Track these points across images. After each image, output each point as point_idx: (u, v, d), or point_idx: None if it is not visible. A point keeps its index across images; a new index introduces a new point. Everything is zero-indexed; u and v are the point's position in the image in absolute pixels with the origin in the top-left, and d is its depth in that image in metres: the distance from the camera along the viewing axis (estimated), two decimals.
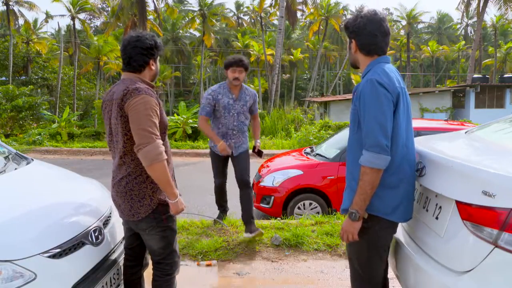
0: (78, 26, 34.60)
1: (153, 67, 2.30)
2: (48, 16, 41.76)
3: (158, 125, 2.13)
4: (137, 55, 2.23)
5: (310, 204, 5.33)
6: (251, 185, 4.19)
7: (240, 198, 4.19)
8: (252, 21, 49.89)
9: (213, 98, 4.04)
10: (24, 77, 32.80)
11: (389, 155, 1.87)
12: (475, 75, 27.93)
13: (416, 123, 5.60)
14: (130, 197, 2.20)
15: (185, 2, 48.41)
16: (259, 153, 4.27)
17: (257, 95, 4.25)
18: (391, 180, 1.93)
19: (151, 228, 2.23)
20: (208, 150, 13.54)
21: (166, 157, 2.10)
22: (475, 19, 39.89)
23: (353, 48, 2.06)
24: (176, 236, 2.35)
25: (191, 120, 15.87)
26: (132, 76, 2.25)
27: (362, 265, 2.04)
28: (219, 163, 4.35)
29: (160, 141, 2.09)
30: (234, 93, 4.08)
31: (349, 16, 2.20)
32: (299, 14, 38.31)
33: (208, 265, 3.62)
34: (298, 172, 5.42)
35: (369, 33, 1.99)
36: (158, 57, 2.38)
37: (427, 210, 2.00)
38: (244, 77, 4.10)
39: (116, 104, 2.16)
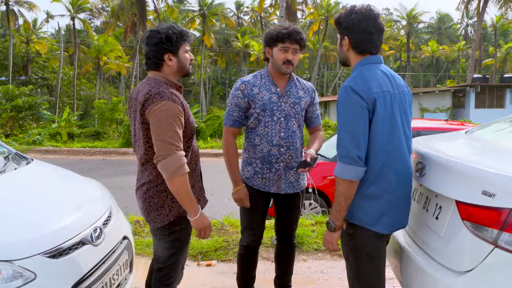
0: (78, 26, 34.61)
1: (170, 63, 2.09)
2: (49, 16, 41.74)
3: (181, 134, 2.02)
4: (150, 52, 2.08)
5: (310, 204, 5.33)
6: (295, 242, 2.85)
7: (276, 255, 2.86)
8: (252, 21, 49.89)
9: (245, 94, 2.50)
10: (24, 77, 32.84)
11: (361, 166, 1.80)
12: (475, 75, 27.95)
13: (416, 123, 5.61)
14: (148, 204, 2.13)
15: (185, 2, 48.35)
16: (305, 164, 2.34)
17: (316, 92, 2.74)
18: (371, 190, 1.86)
19: (161, 236, 2.18)
20: (211, 151, 13.55)
21: (187, 170, 1.98)
22: (475, 19, 39.89)
23: (345, 45, 1.95)
24: (186, 248, 2.26)
25: None
26: (156, 75, 2.10)
27: (354, 271, 2.01)
28: (255, 206, 2.58)
29: (182, 153, 1.98)
30: (279, 85, 2.57)
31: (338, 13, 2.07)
32: (299, 14, 38.31)
33: (208, 265, 3.62)
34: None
35: (364, 30, 1.89)
36: (184, 49, 2.13)
37: (427, 210, 2.00)
38: (298, 61, 2.56)
39: (138, 108, 2.03)
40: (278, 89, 2.53)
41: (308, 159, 2.38)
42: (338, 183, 1.83)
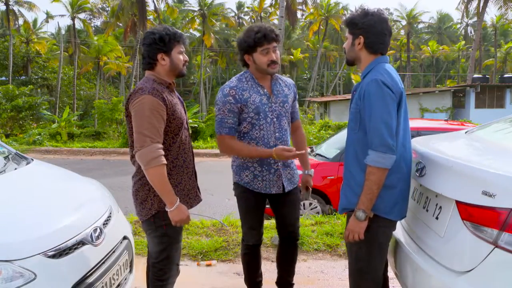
0: (78, 26, 34.60)
1: (163, 62, 2.19)
2: (49, 16, 41.76)
3: (162, 127, 2.10)
4: (145, 52, 2.20)
5: (310, 204, 5.33)
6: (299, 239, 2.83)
7: (279, 255, 2.81)
8: (253, 21, 49.87)
9: (237, 99, 2.45)
10: (24, 77, 32.86)
11: (395, 155, 1.88)
12: (475, 75, 27.94)
13: (416, 123, 5.61)
14: (135, 198, 2.25)
15: (185, 2, 48.38)
16: (308, 192, 2.75)
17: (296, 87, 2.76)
18: (390, 179, 1.94)
19: (150, 231, 2.25)
20: (211, 151, 13.58)
21: (162, 162, 2.05)
22: (475, 19, 39.89)
23: (358, 45, 2.04)
24: (177, 245, 2.31)
25: (190, 120, 15.87)
26: (150, 74, 2.22)
27: (363, 263, 2.05)
28: (257, 207, 2.61)
29: (157, 145, 2.05)
30: (265, 86, 2.54)
31: (349, 14, 2.18)
32: (299, 14, 38.39)
33: (208, 265, 3.62)
34: (298, 172, 5.42)
35: (379, 32, 2.00)
36: (177, 50, 2.20)
37: (427, 210, 2.00)
38: (280, 57, 2.57)
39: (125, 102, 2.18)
40: (265, 90, 2.52)
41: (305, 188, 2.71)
42: (373, 173, 1.89)
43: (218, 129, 2.50)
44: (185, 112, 2.37)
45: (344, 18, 2.17)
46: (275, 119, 2.51)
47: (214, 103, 2.59)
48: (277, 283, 2.88)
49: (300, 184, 2.73)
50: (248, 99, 2.46)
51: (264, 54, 2.42)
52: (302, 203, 5.26)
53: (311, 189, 2.77)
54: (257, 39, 2.39)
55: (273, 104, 2.52)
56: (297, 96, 2.73)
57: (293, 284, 2.87)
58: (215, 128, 2.53)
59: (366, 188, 1.91)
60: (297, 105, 2.77)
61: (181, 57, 2.24)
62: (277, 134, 2.51)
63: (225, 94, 2.47)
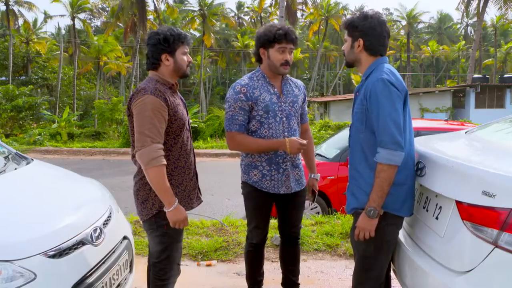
0: (78, 26, 34.59)
1: (167, 63, 2.20)
2: (47, 16, 41.76)
3: (163, 128, 2.11)
4: (149, 52, 2.22)
5: (310, 204, 5.32)
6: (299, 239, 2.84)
7: (282, 256, 2.84)
8: (253, 21, 49.89)
9: (248, 97, 2.47)
10: (24, 77, 32.84)
11: (404, 152, 1.90)
12: (475, 75, 27.94)
13: (416, 123, 5.61)
14: (136, 197, 2.26)
15: (185, 2, 48.37)
16: (314, 196, 2.82)
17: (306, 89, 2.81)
18: (399, 176, 1.95)
19: (151, 231, 2.26)
20: (211, 151, 13.58)
21: (162, 162, 2.07)
22: (475, 19, 39.88)
23: (358, 47, 2.06)
24: (178, 245, 2.32)
25: (190, 120, 15.91)
26: (153, 74, 2.23)
27: (370, 261, 2.06)
28: (264, 207, 2.64)
29: (158, 145, 2.07)
30: (276, 86, 2.57)
31: (348, 16, 2.21)
32: (299, 14, 38.34)
33: (208, 265, 3.62)
34: None
35: (378, 34, 2.03)
36: (181, 50, 2.21)
37: (427, 210, 2.01)
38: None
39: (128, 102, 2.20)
40: (276, 90, 2.54)
41: (311, 193, 2.77)
42: (383, 170, 1.90)
43: (228, 126, 2.52)
44: (187, 113, 2.38)
45: (343, 20, 2.18)
46: (284, 119, 2.52)
47: (225, 101, 2.60)
48: (283, 284, 2.88)
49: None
50: (258, 97, 2.49)
51: (280, 52, 2.45)
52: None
53: (317, 193, 2.82)
54: (277, 35, 2.41)
55: (283, 103, 2.54)
56: (306, 98, 2.74)
57: (299, 284, 2.86)
58: (225, 125, 2.55)
59: (376, 186, 1.92)
60: (306, 108, 2.77)
61: (185, 58, 2.25)
62: (286, 133, 2.52)
63: (236, 92, 2.49)
